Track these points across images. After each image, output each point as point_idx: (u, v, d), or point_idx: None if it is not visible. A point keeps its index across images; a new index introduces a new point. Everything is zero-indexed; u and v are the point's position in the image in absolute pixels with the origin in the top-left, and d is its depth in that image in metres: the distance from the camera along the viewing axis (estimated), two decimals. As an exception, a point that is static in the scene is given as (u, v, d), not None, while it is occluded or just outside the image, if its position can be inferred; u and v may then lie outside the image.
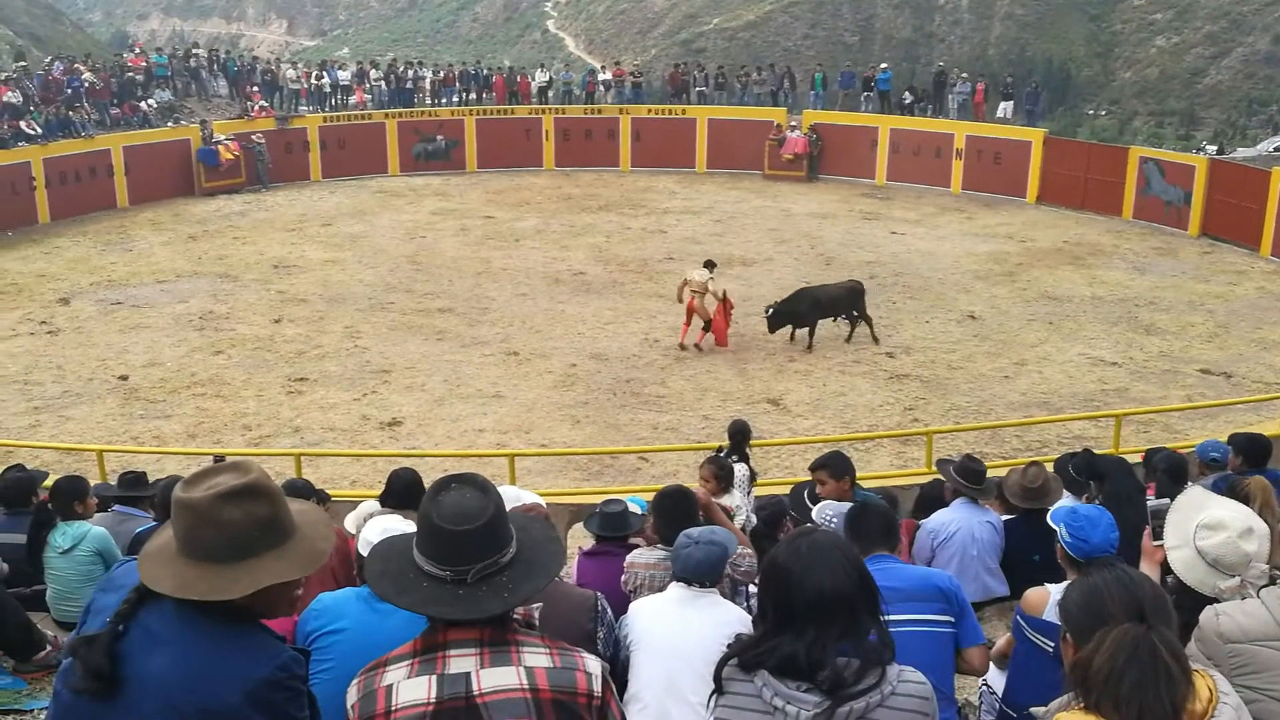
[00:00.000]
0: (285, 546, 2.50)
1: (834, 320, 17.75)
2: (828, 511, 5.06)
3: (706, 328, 16.96)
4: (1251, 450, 7.38)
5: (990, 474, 7.36)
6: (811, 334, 17.34)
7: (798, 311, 17.18)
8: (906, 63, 41.23)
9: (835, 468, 6.43)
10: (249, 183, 30.11)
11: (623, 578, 5.03)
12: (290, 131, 31.57)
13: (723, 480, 7.94)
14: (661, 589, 4.82)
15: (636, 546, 5.30)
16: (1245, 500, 4.39)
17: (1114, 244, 24.61)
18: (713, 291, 16.84)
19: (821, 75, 34.98)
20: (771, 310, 17.03)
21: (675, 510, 5.06)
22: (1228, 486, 5.43)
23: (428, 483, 2.62)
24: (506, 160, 32.89)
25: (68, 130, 27.88)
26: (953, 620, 4.16)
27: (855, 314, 17.58)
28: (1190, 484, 7.06)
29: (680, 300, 17.18)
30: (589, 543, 5.96)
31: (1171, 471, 7.15)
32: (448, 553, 2.47)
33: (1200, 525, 3.60)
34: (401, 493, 6.30)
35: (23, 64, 31.32)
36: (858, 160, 31.32)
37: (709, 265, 17.48)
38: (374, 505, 6.71)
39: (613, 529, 5.63)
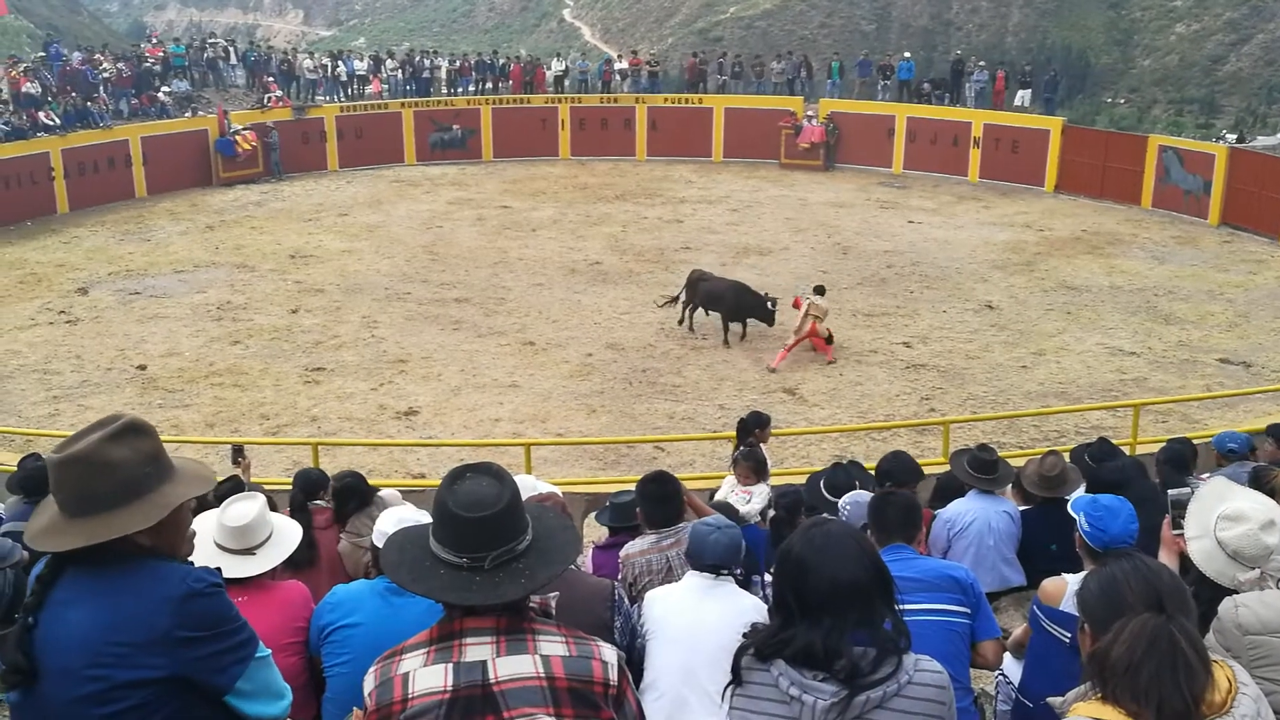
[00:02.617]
0: (175, 476, 2.62)
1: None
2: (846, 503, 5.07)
3: (830, 340, 16.39)
4: None
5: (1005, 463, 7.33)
6: (689, 316, 17.62)
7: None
8: (924, 51, 41.00)
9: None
10: (266, 173, 30.20)
11: (620, 574, 5.03)
12: (307, 121, 31.64)
13: (758, 472, 8.03)
14: (660, 571, 4.84)
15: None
16: (1270, 492, 4.36)
17: (1133, 233, 24.46)
18: (818, 316, 16.27)
19: (838, 64, 34.82)
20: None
21: (662, 494, 5.11)
22: (1253, 477, 5.39)
23: (443, 472, 2.62)
24: (522, 150, 32.88)
25: (86, 121, 28.00)
26: (968, 612, 4.15)
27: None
28: (1198, 475, 7.04)
29: (799, 330, 16.23)
30: (602, 534, 5.98)
31: (1172, 462, 7.11)
32: (464, 540, 2.48)
33: (1221, 516, 3.57)
34: (358, 493, 6.34)
35: (41, 55, 31.37)
36: (874, 149, 31.20)
37: (820, 291, 16.75)
38: (395, 494, 6.75)
39: (624, 519, 5.64)
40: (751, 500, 7.72)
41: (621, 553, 5.15)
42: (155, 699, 2.46)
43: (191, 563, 2.63)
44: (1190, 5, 40.78)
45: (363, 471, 6.87)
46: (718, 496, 8.07)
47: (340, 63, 34.56)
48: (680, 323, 17.70)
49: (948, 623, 4.09)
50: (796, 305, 16.50)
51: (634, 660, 3.94)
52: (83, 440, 2.52)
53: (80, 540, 2.47)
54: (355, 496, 6.26)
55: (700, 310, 17.63)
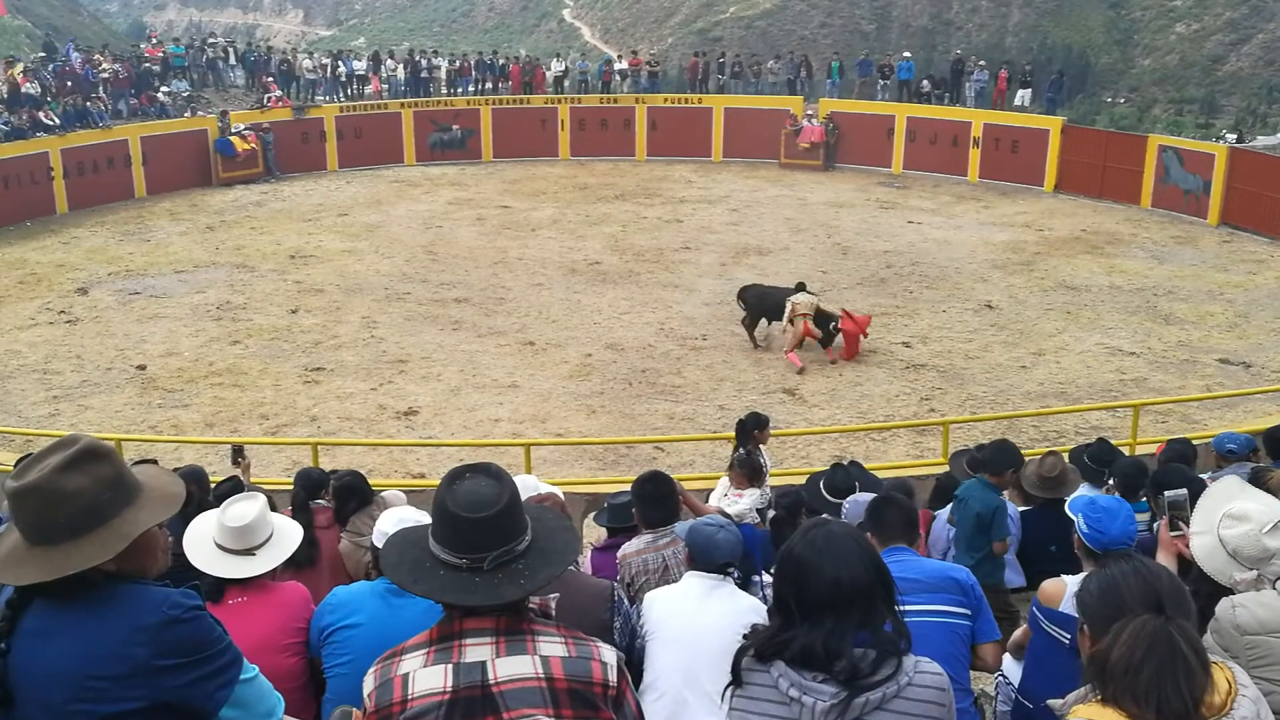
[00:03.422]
0: (140, 500, 2.54)
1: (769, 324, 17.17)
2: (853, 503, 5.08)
3: (825, 343, 16.19)
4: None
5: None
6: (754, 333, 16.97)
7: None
8: (924, 51, 40.98)
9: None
10: (265, 173, 30.21)
11: (617, 575, 5.03)
12: (307, 121, 31.64)
13: (752, 478, 8.05)
14: (658, 570, 4.85)
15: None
16: (1269, 493, 4.35)
17: (1132, 233, 24.47)
18: (805, 315, 16.02)
19: (838, 63, 34.84)
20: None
21: (658, 494, 5.12)
22: (1251, 477, 5.38)
23: (443, 472, 2.63)
24: (522, 150, 32.88)
25: (85, 121, 27.99)
26: (969, 613, 4.14)
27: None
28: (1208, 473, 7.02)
29: (790, 326, 16.13)
30: (600, 535, 5.98)
31: (1174, 462, 7.10)
32: (464, 540, 2.48)
33: (1226, 514, 3.58)
34: (359, 493, 6.31)
35: (41, 55, 31.36)
36: (874, 149, 31.21)
37: (801, 288, 16.64)
38: (398, 494, 6.74)
39: (622, 520, 5.65)
40: (740, 502, 7.73)
41: (619, 553, 5.16)
42: None
43: (169, 583, 2.58)
44: (1190, 5, 40.76)
45: (362, 471, 6.88)
46: (711, 499, 8.07)
47: (340, 63, 34.57)
48: (755, 346, 16.85)
49: (948, 624, 4.08)
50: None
51: (634, 661, 3.94)
52: (36, 468, 2.45)
53: (40, 574, 2.41)
54: (355, 496, 6.26)
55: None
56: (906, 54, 35.45)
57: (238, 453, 8.37)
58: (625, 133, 33.20)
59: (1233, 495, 3.67)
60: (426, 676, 2.44)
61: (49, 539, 2.43)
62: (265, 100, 31.86)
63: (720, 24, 47.98)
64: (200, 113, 30.93)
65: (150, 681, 2.41)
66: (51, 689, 2.40)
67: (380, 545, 4.05)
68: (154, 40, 37.28)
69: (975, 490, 6.74)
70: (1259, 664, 3.23)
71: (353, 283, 20.61)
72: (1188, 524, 3.78)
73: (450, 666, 2.44)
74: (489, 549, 2.48)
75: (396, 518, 4.15)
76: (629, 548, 5.10)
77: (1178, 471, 6.76)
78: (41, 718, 2.42)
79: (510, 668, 2.43)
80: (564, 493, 5.21)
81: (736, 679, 2.70)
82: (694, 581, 4.12)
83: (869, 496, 5.40)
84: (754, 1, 48.23)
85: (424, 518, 3.82)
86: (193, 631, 2.48)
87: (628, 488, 5.85)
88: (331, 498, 6.39)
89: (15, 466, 2.45)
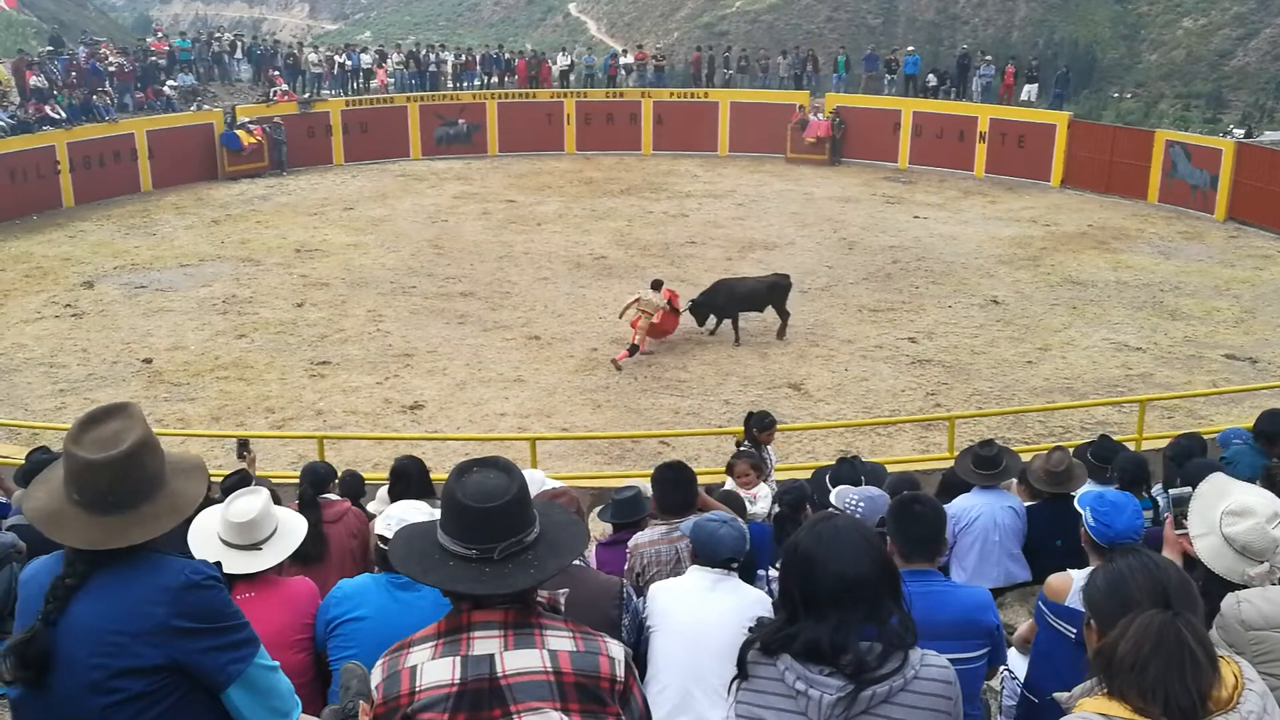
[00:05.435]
0: (183, 466, 2.75)
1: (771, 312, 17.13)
2: (851, 496, 5.05)
3: (633, 351, 16.02)
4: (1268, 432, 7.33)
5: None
6: (735, 327, 16.89)
7: (716, 304, 16.81)
8: (930, 45, 40.89)
9: None
10: (271, 167, 30.22)
11: (627, 565, 5.04)
12: (312, 115, 31.64)
13: (757, 469, 8.07)
14: (669, 562, 4.86)
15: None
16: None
17: (1139, 228, 24.41)
18: (648, 313, 16.08)
19: (844, 58, 34.80)
20: (691, 304, 16.73)
21: (678, 481, 5.14)
22: (1264, 475, 5.38)
23: (448, 467, 2.65)
24: (528, 144, 32.89)
25: (91, 114, 28.01)
26: (989, 650, 4.03)
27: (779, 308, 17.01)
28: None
29: (620, 317, 16.56)
30: (604, 530, 5.99)
31: (1179, 458, 7.09)
32: (473, 531, 2.48)
33: (1226, 512, 3.56)
34: (419, 482, 6.16)
35: (49, 49, 31.38)
36: (880, 144, 31.16)
37: (657, 286, 16.61)
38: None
39: (627, 515, 5.65)
40: (758, 502, 7.74)
41: (631, 542, 5.17)
42: (155, 689, 2.49)
43: (190, 555, 2.66)
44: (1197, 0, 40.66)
45: (368, 466, 6.86)
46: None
47: (346, 57, 34.58)
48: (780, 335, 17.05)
49: (969, 670, 3.95)
50: (673, 302, 16.46)
51: (639, 654, 3.95)
52: (114, 427, 2.57)
53: (157, 529, 2.55)
54: (402, 481, 6.04)
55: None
56: (912, 48, 35.38)
57: (243, 446, 8.39)
58: (631, 127, 33.19)
59: (1224, 493, 3.66)
60: (434, 669, 2.45)
61: (133, 502, 2.56)
62: (271, 94, 31.86)
63: (726, 18, 47.93)
64: (206, 107, 30.95)
65: (166, 641, 2.49)
66: (76, 645, 2.48)
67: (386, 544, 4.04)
68: (160, 34, 37.28)
69: (1247, 457, 6.82)
70: (1263, 659, 3.22)
71: (358, 276, 20.62)
72: None
73: (458, 659, 2.44)
74: (498, 539, 2.48)
75: (397, 516, 4.12)
76: (641, 538, 5.11)
77: (1192, 456, 6.78)
78: (65, 674, 2.48)
79: (518, 661, 2.43)
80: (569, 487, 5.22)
81: (742, 672, 2.71)
82: (699, 576, 4.13)
83: (874, 491, 5.39)
84: (760, -5, 48.16)
85: (425, 517, 3.79)
86: (211, 599, 2.57)
87: (633, 482, 5.86)
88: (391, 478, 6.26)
89: (71, 433, 2.53)
